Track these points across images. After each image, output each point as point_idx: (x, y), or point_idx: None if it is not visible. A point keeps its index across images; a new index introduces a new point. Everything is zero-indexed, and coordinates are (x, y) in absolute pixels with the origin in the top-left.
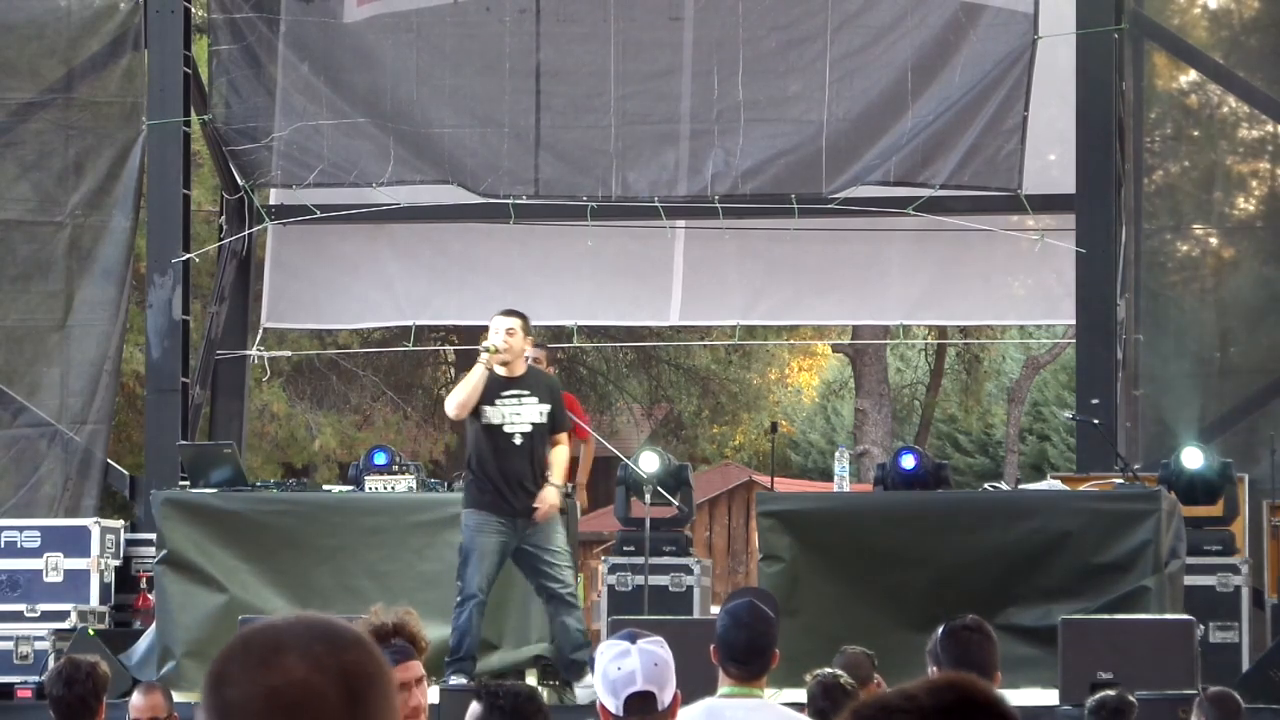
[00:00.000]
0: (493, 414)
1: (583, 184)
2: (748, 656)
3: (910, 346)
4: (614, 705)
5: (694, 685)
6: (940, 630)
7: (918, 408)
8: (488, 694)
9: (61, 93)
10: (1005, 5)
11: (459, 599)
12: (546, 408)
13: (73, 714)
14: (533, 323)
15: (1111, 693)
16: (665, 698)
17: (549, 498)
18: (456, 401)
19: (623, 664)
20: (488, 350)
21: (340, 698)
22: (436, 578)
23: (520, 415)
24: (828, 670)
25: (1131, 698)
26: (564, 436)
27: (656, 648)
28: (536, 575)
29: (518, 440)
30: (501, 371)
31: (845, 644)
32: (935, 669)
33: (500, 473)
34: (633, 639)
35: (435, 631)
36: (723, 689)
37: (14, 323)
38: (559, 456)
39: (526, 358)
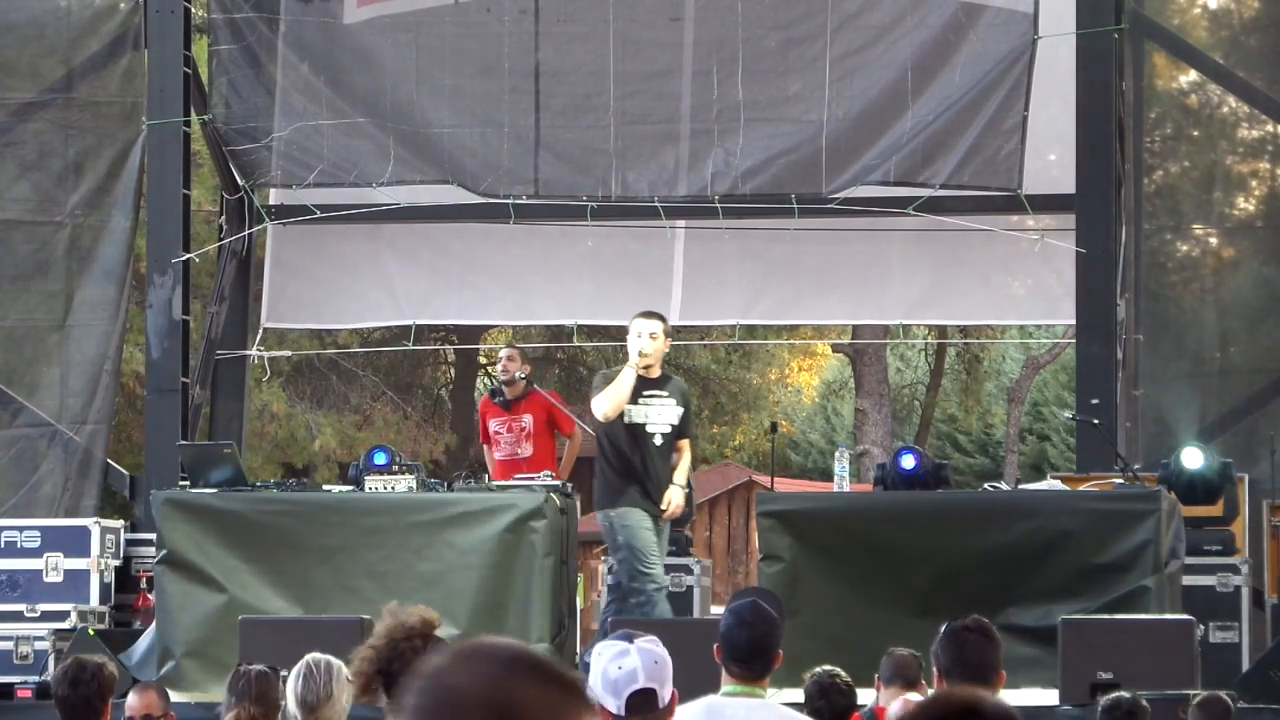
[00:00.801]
0: (636, 413)
1: (582, 184)
2: (750, 656)
3: (910, 346)
4: (615, 705)
5: (695, 685)
6: (942, 630)
7: (918, 408)
8: None
9: (61, 93)
10: (1005, 5)
11: (641, 598)
12: (681, 411)
13: (78, 714)
14: (532, 323)
15: (1126, 694)
16: (665, 695)
17: (675, 498)
18: (610, 405)
19: (623, 663)
20: (640, 354)
21: None
22: (436, 578)
23: (661, 416)
24: (824, 669)
25: (1145, 701)
26: (687, 442)
27: (654, 646)
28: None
29: (658, 440)
30: (642, 372)
31: (845, 643)
32: (936, 670)
33: (644, 470)
34: (630, 639)
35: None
36: (725, 688)
37: (14, 323)
38: (685, 460)
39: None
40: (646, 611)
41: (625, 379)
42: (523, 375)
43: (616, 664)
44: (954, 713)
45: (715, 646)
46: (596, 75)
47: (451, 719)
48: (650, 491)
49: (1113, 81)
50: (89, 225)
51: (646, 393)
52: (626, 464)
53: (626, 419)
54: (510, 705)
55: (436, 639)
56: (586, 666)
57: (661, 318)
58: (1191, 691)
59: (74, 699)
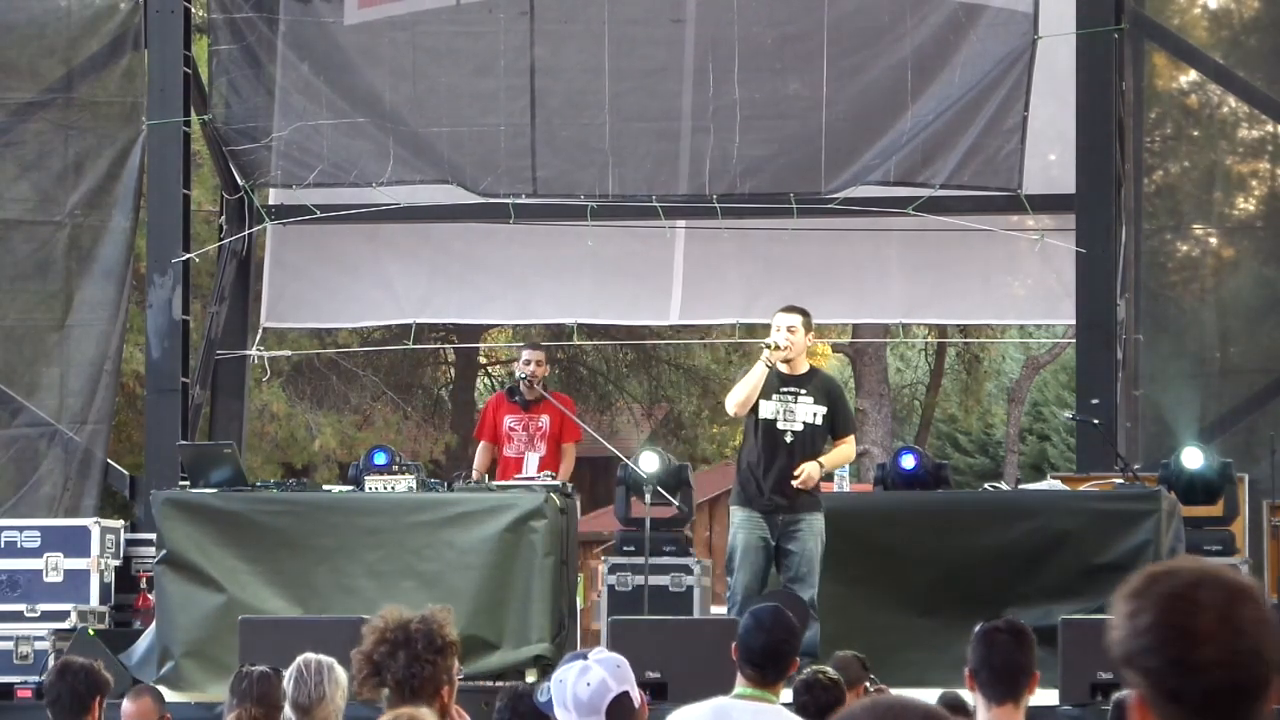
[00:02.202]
0: (767, 409)
1: (579, 182)
2: (764, 660)
3: (910, 346)
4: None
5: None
6: (975, 630)
7: (918, 408)
8: (512, 697)
9: (61, 93)
10: (1005, 5)
11: (729, 603)
12: (822, 409)
13: (64, 707)
14: (532, 322)
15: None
16: (635, 695)
17: (808, 469)
18: (737, 400)
19: (589, 679)
20: (769, 347)
21: None
22: (436, 578)
23: (794, 414)
24: (812, 667)
25: None
26: (850, 439)
27: (610, 654)
28: (785, 577)
29: (789, 438)
30: (784, 368)
31: (845, 643)
32: (967, 670)
33: (765, 469)
34: (584, 656)
35: None
36: (737, 689)
37: (14, 323)
38: (839, 450)
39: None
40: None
41: (755, 372)
42: (543, 377)
43: (584, 681)
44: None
45: (733, 645)
46: (591, 73)
47: None
48: (767, 491)
49: (1113, 81)
50: (89, 225)
51: (785, 389)
52: (752, 461)
53: (759, 414)
54: None
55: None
56: (548, 704)
57: (803, 311)
58: None
59: (60, 690)
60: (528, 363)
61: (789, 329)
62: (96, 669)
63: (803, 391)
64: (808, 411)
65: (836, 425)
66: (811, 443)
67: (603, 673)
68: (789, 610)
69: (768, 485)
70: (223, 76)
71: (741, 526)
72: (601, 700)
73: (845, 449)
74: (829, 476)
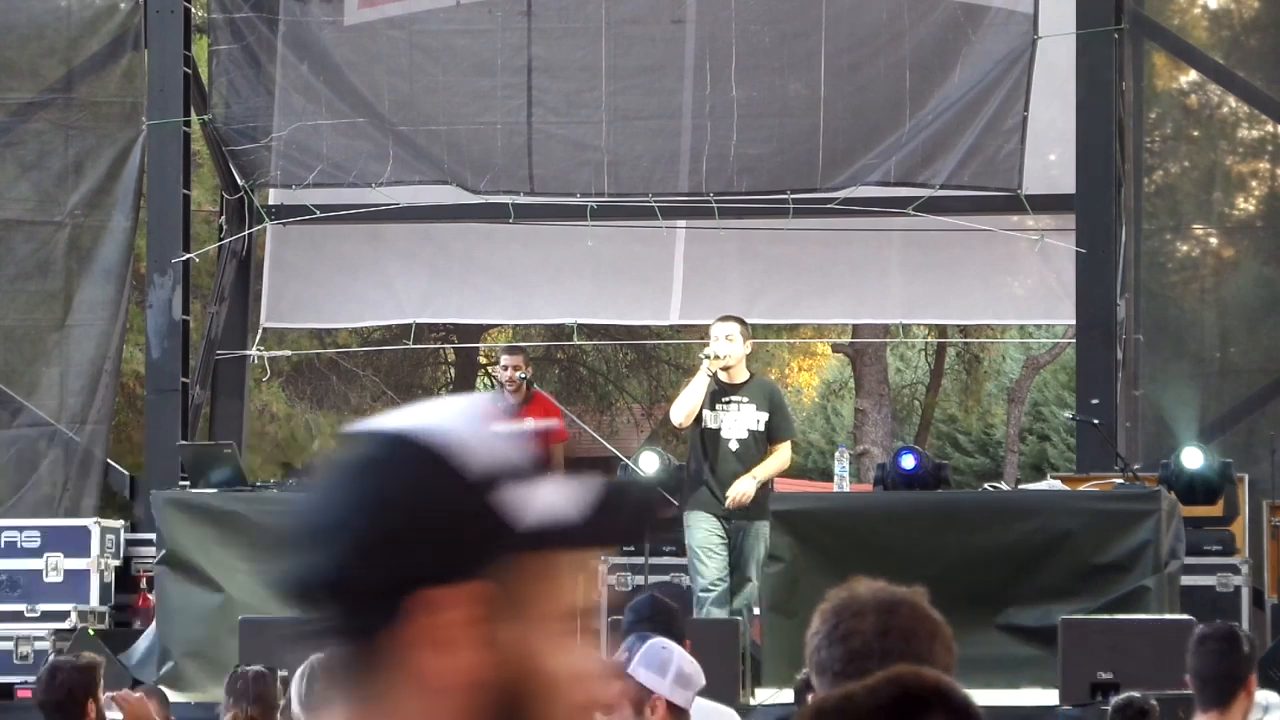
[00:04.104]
0: (710, 418)
1: (576, 181)
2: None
3: (910, 346)
4: (684, 699)
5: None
6: (1192, 636)
7: (918, 408)
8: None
9: (61, 93)
10: (1005, 5)
11: (696, 601)
12: (764, 415)
13: (58, 713)
14: (532, 322)
15: (1136, 694)
16: None
17: (741, 487)
18: (683, 411)
19: (692, 659)
20: (707, 358)
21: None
22: None
23: (737, 421)
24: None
25: (1154, 701)
26: (786, 444)
27: None
28: (738, 582)
29: (734, 446)
30: (723, 376)
31: None
32: (1187, 677)
33: (714, 476)
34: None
35: None
36: None
37: (14, 323)
38: (773, 457)
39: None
40: (696, 611)
41: (696, 382)
42: (524, 376)
43: (689, 660)
44: (919, 694)
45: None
46: (589, 72)
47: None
48: (719, 495)
49: (1113, 81)
50: (89, 225)
51: (725, 398)
52: (699, 469)
53: (702, 424)
54: None
55: None
56: (641, 658)
57: (739, 320)
58: (1191, 692)
59: (48, 704)
60: (505, 367)
61: (726, 337)
62: (84, 666)
63: (744, 399)
64: (750, 418)
65: (773, 430)
66: (755, 449)
67: (698, 664)
68: (665, 597)
69: (719, 491)
70: (223, 76)
71: (699, 526)
72: (697, 682)
73: (780, 455)
74: (830, 476)
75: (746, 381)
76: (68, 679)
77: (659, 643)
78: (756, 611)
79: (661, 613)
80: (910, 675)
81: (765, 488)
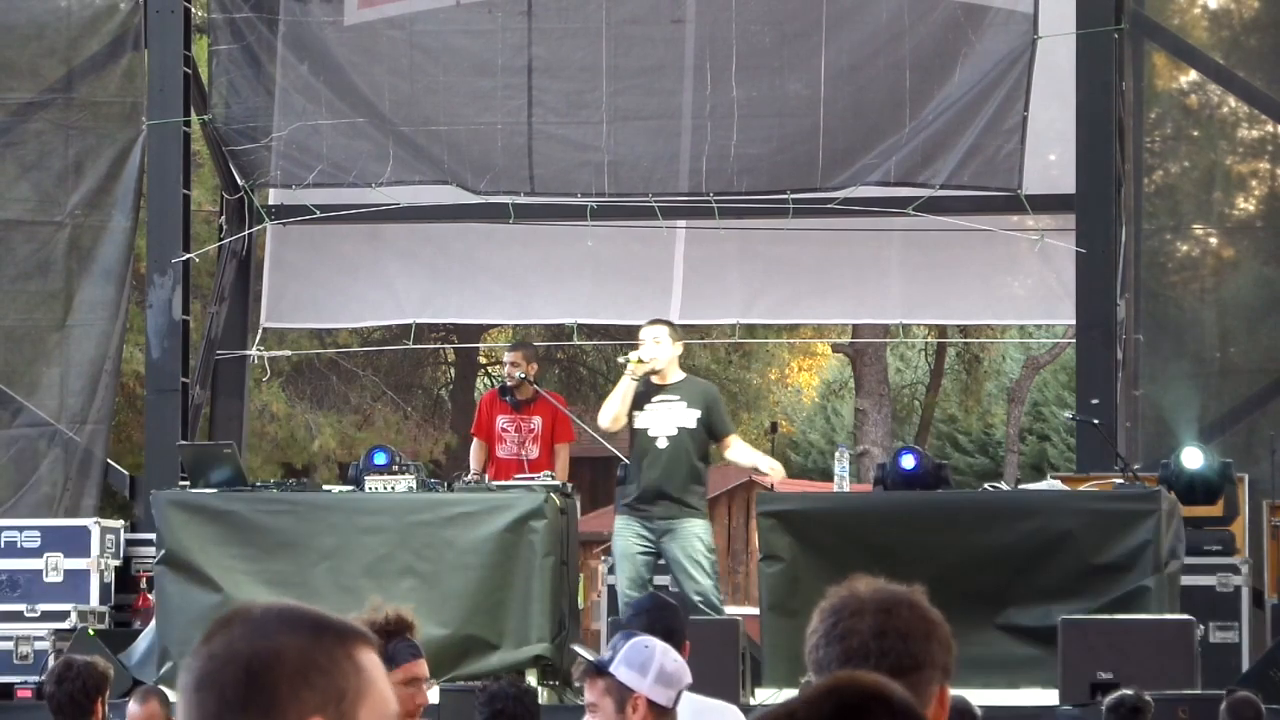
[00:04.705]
0: (641, 419)
1: (577, 181)
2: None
3: (910, 346)
4: (667, 697)
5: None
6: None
7: (918, 408)
8: (489, 696)
9: (61, 93)
10: (1005, 5)
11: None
12: (696, 413)
13: (65, 712)
14: (532, 322)
15: (1129, 691)
16: None
17: (775, 466)
18: (607, 415)
19: (675, 658)
20: (629, 361)
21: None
22: (436, 578)
23: (666, 419)
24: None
25: (1149, 697)
26: (731, 439)
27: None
28: (677, 582)
29: (661, 444)
30: (655, 379)
31: None
32: None
33: (641, 476)
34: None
35: (432, 631)
36: None
37: (14, 323)
38: (743, 449)
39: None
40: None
41: (620, 386)
42: (525, 375)
43: (671, 657)
44: (856, 702)
45: None
46: (589, 72)
47: (211, 682)
48: (645, 497)
49: (1113, 81)
50: (89, 225)
51: (657, 399)
52: (629, 472)
53: (636, 425)
54: (265, 658)
55: (407, 639)
56: (605, 662)
57: (666, 323)
58: (1191, 691)
59: (60, 696)
60: (503, 364)
61: (654, 340)
62: (95, 667)
63: (674, 398)
64: (680, 415)
65: (714, 428)
66: (685, 449)
67: (682, 659)
68: (664, 595)
69: (645, 493)
70: (223, 76)
71: (620, 534)
72: (681, 680)
73: (741, 446)
74: (830, 476)
75: (679, 381)
76: (83, 673)
77: (641, 640)
78: (714, 614)
79: (661, 610)
80: (846, 683)
81: (701, 491)
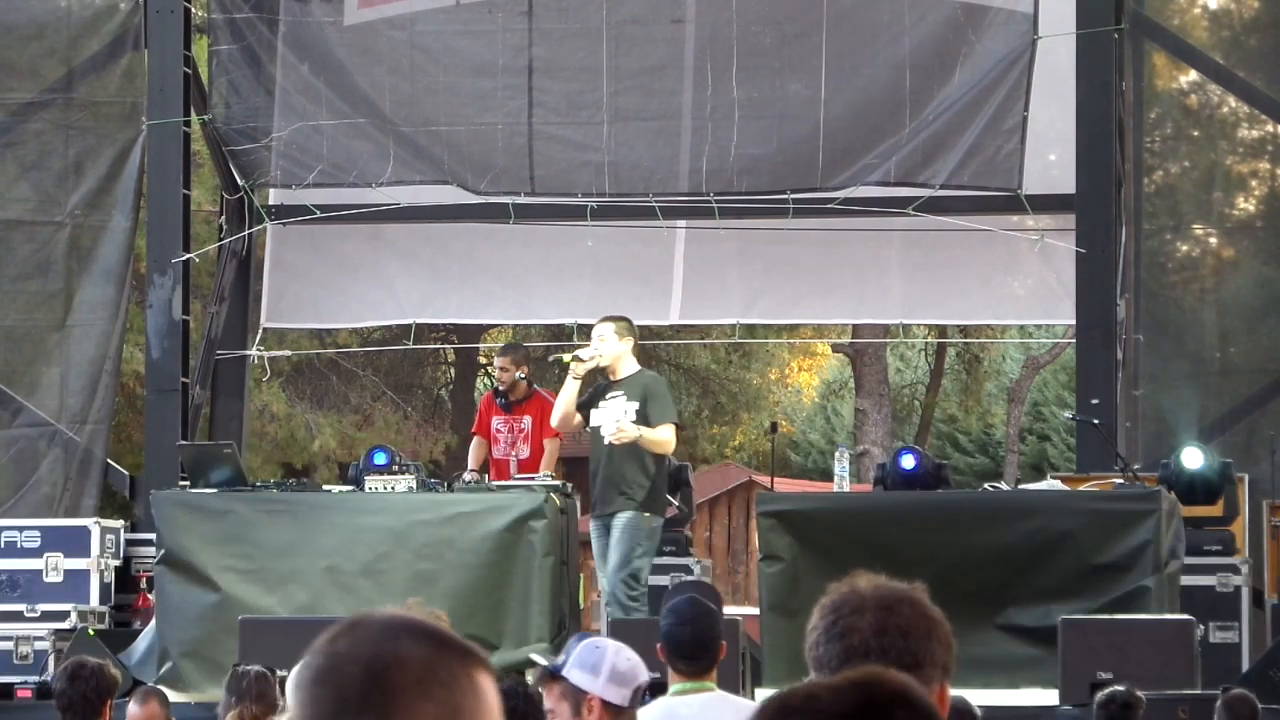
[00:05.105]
0: (594, 417)
1: (577, 181)
2: (695, 652)
3: (910, 346)
4: (621, 696)
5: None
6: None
7: (918, 408)
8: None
9: (61, 93)
10: (1005, 5)
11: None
12: (634, 405)
13: (76, 711)
14: (533, 322)
15: (1120, 688)
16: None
17: (626, 427)
18: (556, 416)
19: (628, 656)
20: (574, 360)
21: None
22: (435, 577)
23: (609, 415)
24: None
25: (1140, 693)
26: (665, 426)
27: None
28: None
29: (608, 442)
30: (610, 376)
31: None
32: None
33: (595, 473)
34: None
35: None
36: (674, 686)
37: (14, 323)
38: (656, 430)
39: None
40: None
41: (565, 386)
42: (522, 376)
43: (624, 656)
44: (882, 701)
45: (659, 646)
46: (590, 72)
47: (331, 679)
48: (599, 497)
49: (1113, 81)
50: (89, 225)
51: (608, 395)
52: (591, 468)
53: (591, 423)
54: (390, 662)
55: None
56: (558, 668)
57: (615, 319)
58: (1191, 691)
59: (72, 694)
60: (497, 368)
61: (599, 338)
62: (106, 669)
63: (619, 393)
64: (619, 410)
65: (650, 417)
66: (627, 444)
67: (637, 657)
68: (702, 596)
69: (599, 492)
70: (223, 77)
71: (591, 535)
72: (635, 678)
73: (661, 430)
74: (830, 476)
75: (627, 377)
76: (96, 673)
77: (592, 642)
78: (613, 614)
79: (702, 615)
80: (875, 679)
81: (641, 483)
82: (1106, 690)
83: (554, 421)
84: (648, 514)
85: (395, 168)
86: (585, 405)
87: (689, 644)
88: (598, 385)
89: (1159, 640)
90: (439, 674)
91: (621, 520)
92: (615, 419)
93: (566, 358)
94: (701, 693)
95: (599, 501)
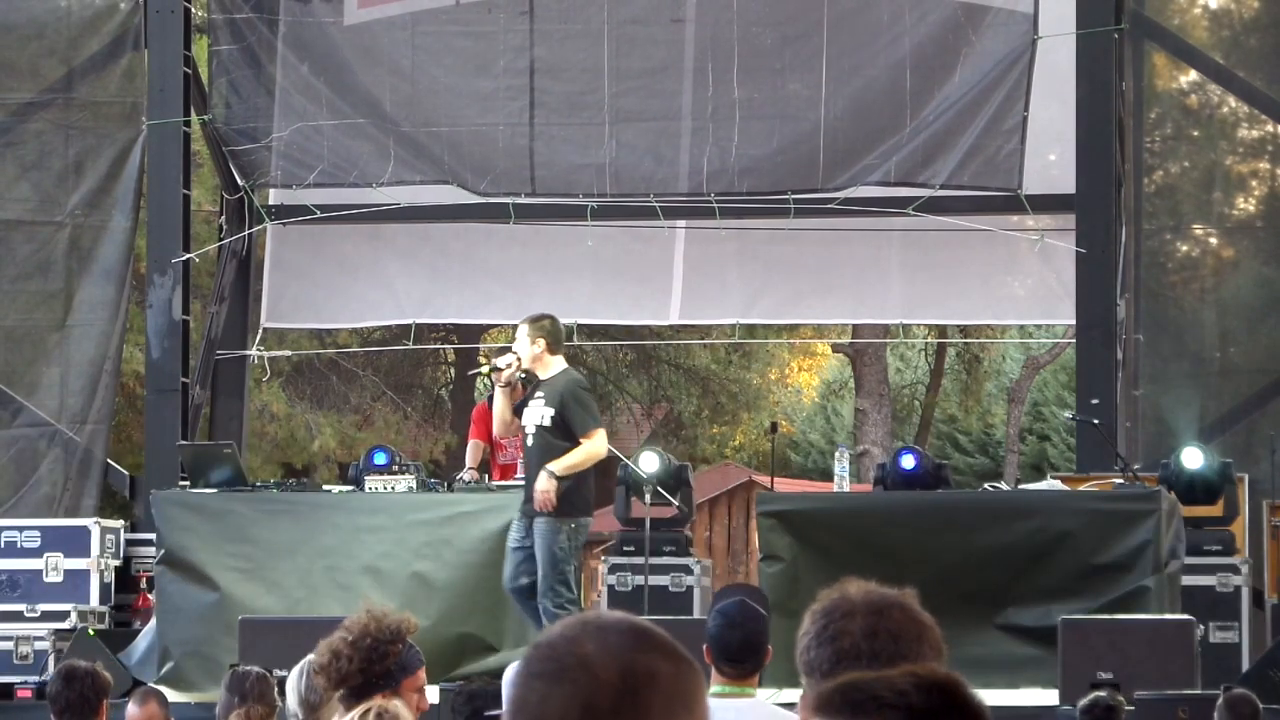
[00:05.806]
0: (524, 417)
1: (578, 181)
2: (742, 655)
3: (910, 346)
4: None
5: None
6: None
7: (918, 408)
8: (468, 695)
9: (61, 93)
10: (1005, 5)
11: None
12: (550, 411)
13: (73, 713)
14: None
15: (1103, 693)
16: None
17: (539, 484)
18: (496, 426)
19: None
20: (491, 369)
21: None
22: (435, 577)
23: (530, 418)
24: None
25: (1121, 698)
26: (588, 436)
27: None
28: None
29: (529, 442)
30: (540, 375)
31: None
32: None
33: (524, 474)
34: None
35: (431, 630)
36: (714, 688)
37: (14, 323)
38: (572, 451)
39: (505, 364)
40: None
41: (495, 399)
42: (522, 376)
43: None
44: (936, 700)
45: (705, 648)
46: (591, 73)
47: (577, 680)
48: (525, 495)
49: (1113, 81)
50: (89, 225)
51: (534, 395)
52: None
53: (522, 423)
54: (643, 675)
55: (409, 644)
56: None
57: (531, 319)
58: (1191, 691)
59: (69, 696)
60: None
61: (516, 340)
62: (99, 671)
63: (539, 394)
64: (540, 415)
65: (570, 426)
66: (545, 445)
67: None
68: (752, 601)
69: (525, 490)
70: (223, 77)
71: (510, 528)
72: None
73: (581, 449)
74: (830, 476)
75: (549, 378)
76: (90, 673)
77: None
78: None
79: (751, 619)
80: (944, 682)
81: (567, 482)
82: (1089, 696)
83: (496, 432)
84: (564, 517)
85: (395, 168)
86: (520, 406)
87: (737, 647)
88: (531, 383)
89: (1159, 640)
90: (686, 690)
91: (538, 527)
92: (534, 422)
93: (485, 369)
94: (742, 698)
95: (525, 499)
